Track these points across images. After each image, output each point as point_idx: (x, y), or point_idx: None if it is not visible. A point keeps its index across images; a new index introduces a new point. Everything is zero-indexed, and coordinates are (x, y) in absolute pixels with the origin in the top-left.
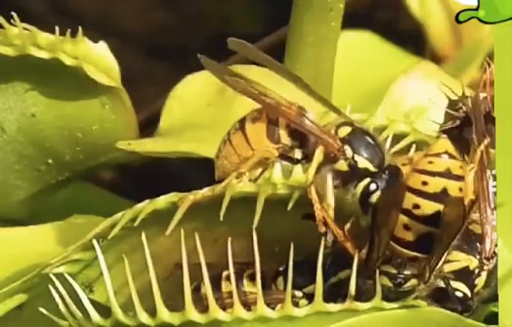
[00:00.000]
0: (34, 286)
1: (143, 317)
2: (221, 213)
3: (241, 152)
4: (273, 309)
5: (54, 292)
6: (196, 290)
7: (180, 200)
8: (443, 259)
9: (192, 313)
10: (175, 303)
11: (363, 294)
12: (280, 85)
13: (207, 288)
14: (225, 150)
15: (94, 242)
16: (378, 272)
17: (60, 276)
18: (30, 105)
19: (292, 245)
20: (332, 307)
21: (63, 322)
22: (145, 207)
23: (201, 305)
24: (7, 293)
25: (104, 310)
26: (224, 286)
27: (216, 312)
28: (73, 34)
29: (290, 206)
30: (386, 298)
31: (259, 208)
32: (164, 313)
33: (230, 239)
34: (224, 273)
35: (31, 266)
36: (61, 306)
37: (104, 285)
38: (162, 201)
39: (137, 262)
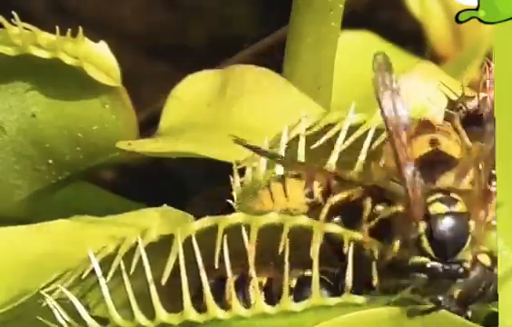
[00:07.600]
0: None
1: (142, 319)
2: (216, 253)
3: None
4: None
5: (50, 303)
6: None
7: (175, 231)
8: None
9: (191, 313)
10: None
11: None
12: (280, 89)
13: (205, 287)
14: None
15: (96, 265)
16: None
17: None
18: (30, 105)
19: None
20: (330, 301)
21: None
22: (140, 242)
23: (200, 309)
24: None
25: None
26: (228, 296)
27: (215, 311)
28: (74, 34)
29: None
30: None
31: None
32: (163, 314)
33: (226, 240)
34: (228, 279)
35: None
36: (58, 317)
37: (102, 304)
38: (155, 233)
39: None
